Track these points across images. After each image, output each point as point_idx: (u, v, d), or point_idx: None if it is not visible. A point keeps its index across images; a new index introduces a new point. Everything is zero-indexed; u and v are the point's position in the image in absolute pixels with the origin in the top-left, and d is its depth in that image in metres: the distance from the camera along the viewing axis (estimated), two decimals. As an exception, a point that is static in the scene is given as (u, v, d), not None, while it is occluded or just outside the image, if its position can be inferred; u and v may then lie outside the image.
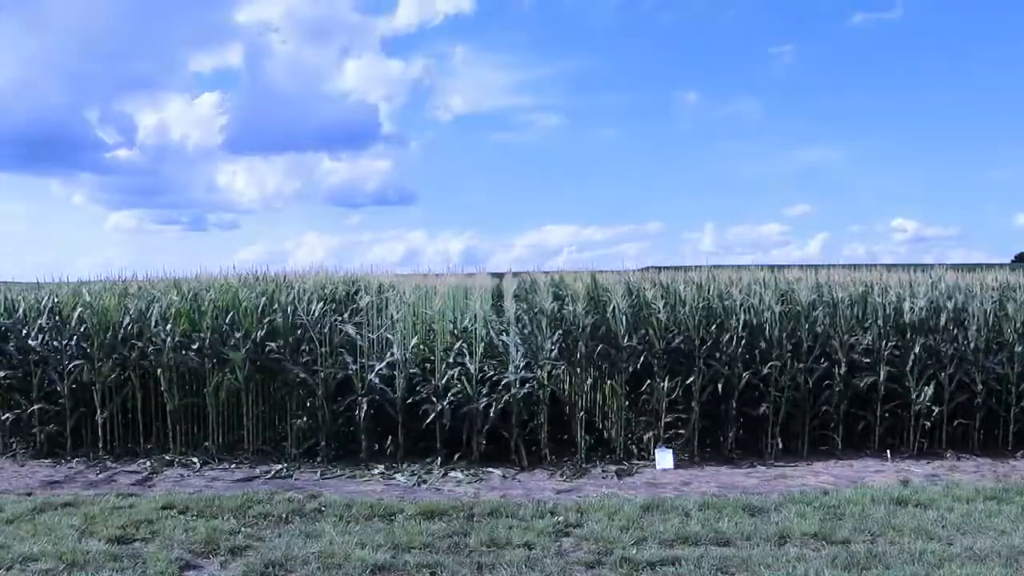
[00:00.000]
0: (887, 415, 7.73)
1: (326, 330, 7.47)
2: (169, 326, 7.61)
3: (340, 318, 8.08)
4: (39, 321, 7.81)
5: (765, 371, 7.40)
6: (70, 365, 7.55)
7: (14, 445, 7.85)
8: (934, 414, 7.58)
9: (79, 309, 7.83)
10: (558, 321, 7.83)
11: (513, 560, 4.68)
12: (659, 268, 11.94)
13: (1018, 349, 7.73)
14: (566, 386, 8.87)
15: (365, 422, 7.27)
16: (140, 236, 42.82)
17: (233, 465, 7.26)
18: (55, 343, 7.64)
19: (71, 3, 37.90)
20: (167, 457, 7.44)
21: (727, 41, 42.19)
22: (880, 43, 40.75)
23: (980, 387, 7.65)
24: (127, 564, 4.62)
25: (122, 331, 7.70)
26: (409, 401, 7.29)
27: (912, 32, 40.30)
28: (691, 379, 7.31)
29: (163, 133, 44.14)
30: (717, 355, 7.38)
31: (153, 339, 7.59)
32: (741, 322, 7.46)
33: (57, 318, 7.78)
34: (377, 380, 7.28)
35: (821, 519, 5.37)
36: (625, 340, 7.42)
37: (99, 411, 7.59)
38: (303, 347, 7.56)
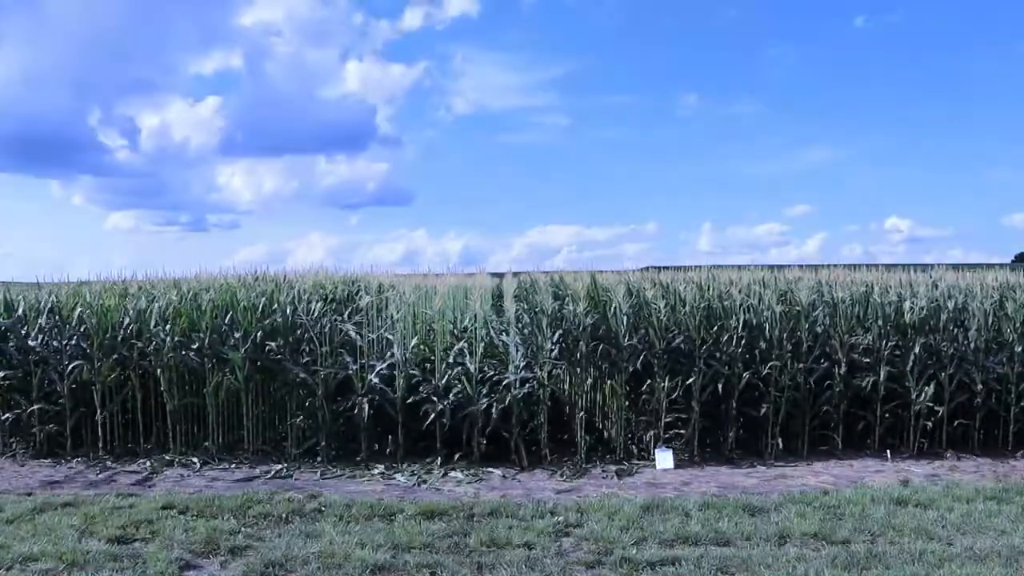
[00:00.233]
0: (887, 415, 7.73)
1: (326, 330, 7.47)
2: (169, 326, 7.61)
3: (340, 318, 8.08)
4: (39, 321, 7.81)
5: (765, 371, 7.40)
6: (70, 365, 7.55)
7: (14, 445, 7.85)
8: (934, 414, 7.58)
9: (79, 309, 7.83)
10: (558, 321, 7.83)
11: (513, 560, 4.68)
12: (659, 268, 11.95)
13: (1018, 349, 7.73)
14: (566, 386, 8.87)
15: (365, 422, 7.27)
16: (140, 237, 42.86)
17: (233, 465, 7.26)
18: (55, 343, 7.64)
19: (72, 5, 37.91)
20: (167, 457, 7.44)
21: (728, 42, 42.22)
22: (879, 44, 40.79)
23: (980, 387, 7.65)
24: (127, 564, 4.62)
25: (122, 331, 7.70)
26: (409, 401, 7.29)
27: (910, 33, 40.32)
28: (691, 379, 7.31)
29: (163, 135, 44.21)
30: (717, 355, 7.38)
31: (153, 339, 7.58)
32: (741, 322, 7.46)
33: (57, 318, 7.78)
34: (377, 380, 7.28)
35: (821, 519, 5.37)
36: (625, 340, 7.42)
37: (99, 411, 7.58)
38: (303, 347, 7.56)
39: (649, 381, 7.43)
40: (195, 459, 7.37)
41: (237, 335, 7.54)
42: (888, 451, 7.60)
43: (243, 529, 5.27)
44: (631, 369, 7.48)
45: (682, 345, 7.40)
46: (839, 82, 42.19)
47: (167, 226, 43.77)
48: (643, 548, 4.86)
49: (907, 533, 5.11)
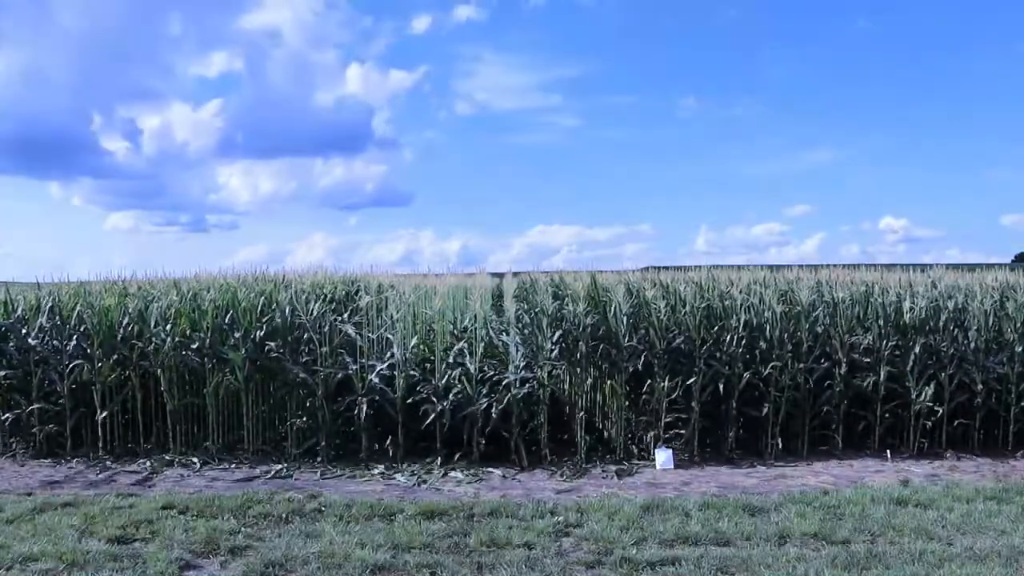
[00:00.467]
0: (887, 415, 7.73)
1: (326, 330, 7.47)
2: (169, 326, 7.61)
3: (340, 318, 8.08)
4: (39, 321, 7.80)
5: (765, 371, 7.40)
6: (70, 365, 7.55)
7: (14, 445, 7.85)
8: (934, 414, 7.58)
9: (79, 309, 7.83)
10: (558, 321, 7.83)
11: (513, 560, 4.68)
12: (659, 268, 11.95)
13: (1018, 349, 7.73)
14: (566, 386, 8.87)
15: (365, 422, 7.27)
16: (140, 237, 42.87)
17: (233, 465, 7.26)
18: (55, 343, 7.64)
19: (73, 8, 37.91)
20: (167, 457, 7.43)
21: (728, 43, 42.23)
22: (878, 45, 40.81)
23: (980, 387, 7.65)
24: (127, 564, 4.62)
25: (122, 331, 7.70)
26: (409, 401, 7.29)
27: (909, 34, 40.33)
28: (691, 379, 7.31)
29: (164, 136, 44.22)
30: (717, 355, 7.38)
31: (153, 339, 7.58)
32: (741, 322, 7.46)
33: (57, 318, 7.78)
34: (377, 380, 7.28)
35: (821, 519, 5.37)
36: (625, 340, 7.42)
37: (99, 411, 7.58)
38: (303, 347, 7.56)
39: (649, 381, 7.43)
40: (195, 459, 7.37)
41: (237, 335, 7.54)
42: (888, 451, 7.60)
43: (243, 529, 5.27)
44: (631, 369, 7.48)
45: (682, 345, 7.39)
46: (839, 82, 42.25)
47: (167, 226, 43.81)
48: (643, 548, 4.86)
49: (907, 533, 5.11)
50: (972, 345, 7.71)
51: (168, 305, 7.82)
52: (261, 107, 41.17)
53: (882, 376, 7.63)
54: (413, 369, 7.43)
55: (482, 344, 7.51)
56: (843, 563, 4.59)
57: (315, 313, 7.65)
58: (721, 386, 7.33)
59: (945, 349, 7.69)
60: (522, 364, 7.31)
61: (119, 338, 7.66)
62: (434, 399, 7.18)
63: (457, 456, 7.19)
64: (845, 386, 7.61)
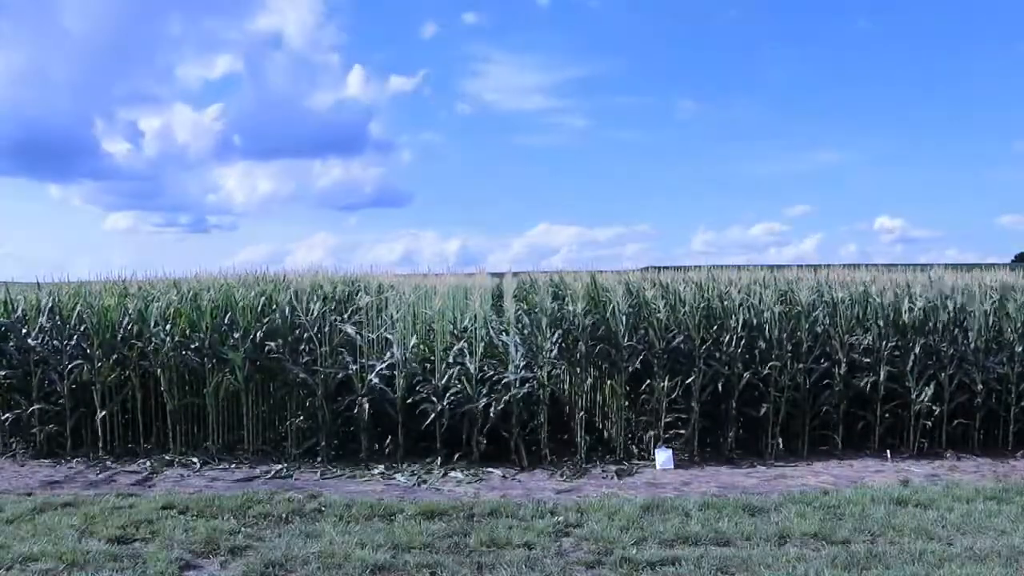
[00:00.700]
0: (887, 415, 7.74)
1: (326, 330, 7.47)
2: (168, 326, 7.61)
3: (340, 318, 8.08)
4: (39, 321, 7.80)
5: (765, 371, 7.40)
6: (70, 365, 7.55)
7: (14, 445, 7.85)
8: (934, 414, 7.58)
9: (79, 309, 7.83)
10: (558, 321, 7.83)
11: (513, 560, 4.68)
12: (659, 268, 11.95)
13: (1018, 349, 7.73)
14: (566, 386, 8.87)
15: (365, 422, 7.27)
16: (139, 237, 42.82)
17: (233, 465, 7.26)
18: (55, 343, 7.64)
19: (74, 9, 37.92)
20: (167, 457, 7.43)
21: (730, 44, 42.25)
22: (876, 45, 40.86)
23: (980, 387, 7.65)
24: (127, 564, 4.62)
25: (122, 331, 7.70)
26: (409, 401, 7.29)
27: (909, 34, 40.38)
28: (691, 379, 7.31)
29: (164, 138, 44.20)
30: (717, 355, 7.38)
31: (153, 339, 7.58)
32: (741, 322, 7.46)
33: (57, 318, 7.78)
34: (377, 380, 7.28)
35: (821, 519, 5.37)
36: (625, 340, 7.42)
37: (99, 411, 7.58)
38: (303, 347, 7.56)
39: (649, 381, 7.44)
40: (195, 459, 7.37)
41: (237, 335, 7.54)
42: (888, 451, 7.60)
43: (243, 529, 5.27)
44: (631, 369, 7.48)
45: (682, 345, 7.40)
46: (838, 83, 42.25)
47: (167, 227, 43.78)
48: (643, 548, 4.86)
49: (907, 533, 5.11)
50: (972, 345, 7.71)
51: (168, 305, 7.82)
52: (262, 109, 41.19)
53: (882, 376, 7.63)
54: (413, 368, 7.43)
55: (482, 344, 7.51)
56: (843, 563, 4.59)
57: (315, 313, 7.65)
58: (721, 386, 7.33)
59: (945, 349, 7.69)
60: (522, 364, 7.31)
61: (119, 338, 7.66)
62: (434, 399, 7.19)
63: (457, 456, 7.19)
64: (845, 386, 7.61)
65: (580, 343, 7.54)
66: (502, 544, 4.94)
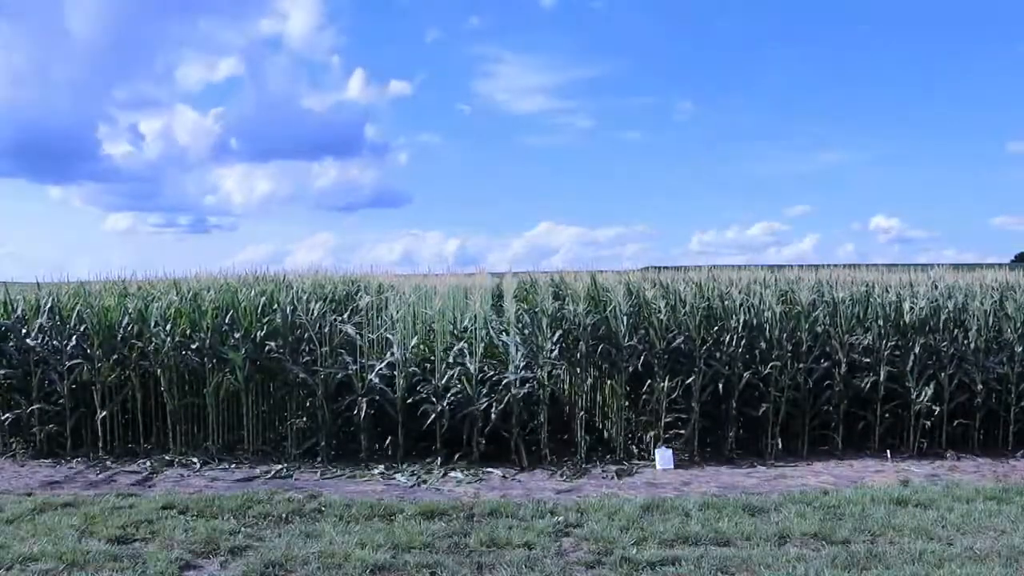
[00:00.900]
0: (887, 415, 7.73)
1: (326, 330, 7.47)
2: (169, 326, 7.61)
3: (340, 318, 8.08)
4: (39, 321, 7.80)
5: (765, 371, 7.40)
6: (70, 365, 7.55)
7: (14, 445, 7.85)
8: (934, 414, 7.59)
9: (79, 309, 7.82)
10: (558, 321, 7.83)
11: (513, 560, 4.68)
12: (659, 268, 11.96)
13: (1018, 349, 7.73)
14: (566, 386, 8.87)
15: (365, 422, 7.27)
16: (139, 238, 42.81)
17: (233, 465, 7.26)
18: (55, 343, 7.64)
19: (75, 11, 37.92)
20: (167, 457, 7.43)
21: (730, 45, 42.28)
22: (874, 45, 40.88)
23: (980, 387, 7.65)
24: (127, 564, 4.62)
25: (122, 331, 7.70)
26: (409, 401, 7.29)
27: (908, 34, 40.41)
28: (691, 379, 7.31)
29: (165, 139, 44.23)
30: (717, 355, 7.38)
31: (153, 339, 7.58)
32: (741, 322, 7.46)
33: (57, 318, 7.78)
34: (377, 380, 7.28)
35: (821, 519, 5.37)
36: (625, 340, 7.42)
37: (99, 411, 7.58)
38: (303, 347, 7.56)
39: (649, 381, 7.43)
40: (195, 459, 7.37)
41: (237, 335, 7.54)
42: (888, 451, 7.60)
43: (243, 529, 5.27)
44: (631, 369, 7.48)
45: (682, 345, 7.39)
46: (837, 84, 42.30)
47: (167, 227, 43.78)
48: (643, 548, 4.86)
49: (907, 533, 5.11)
50: (972, 345, 7.71)
51: (168, 305, 7.82)
52: (262, 111, 41.22)
53: (882, 376, 7.63)
54: (413, 369, 7.43)
55: (482, 344, 7.51)
56: (843, 563, 4.59)
57: (315, 313, 7.65)
58: (721, 386, 7.33)
59: (945, 349, 7.69)
60: (522, 364, 7.31)
61: (119, 338, 7.66)
62: (434, 399, 7.18)
63: (457, 456, 7.19)
64: (845, 386, 7.61)
65: (580, 343, 7.54)
66: (502, 544, 4.94)
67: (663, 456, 7.15)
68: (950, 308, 7.86)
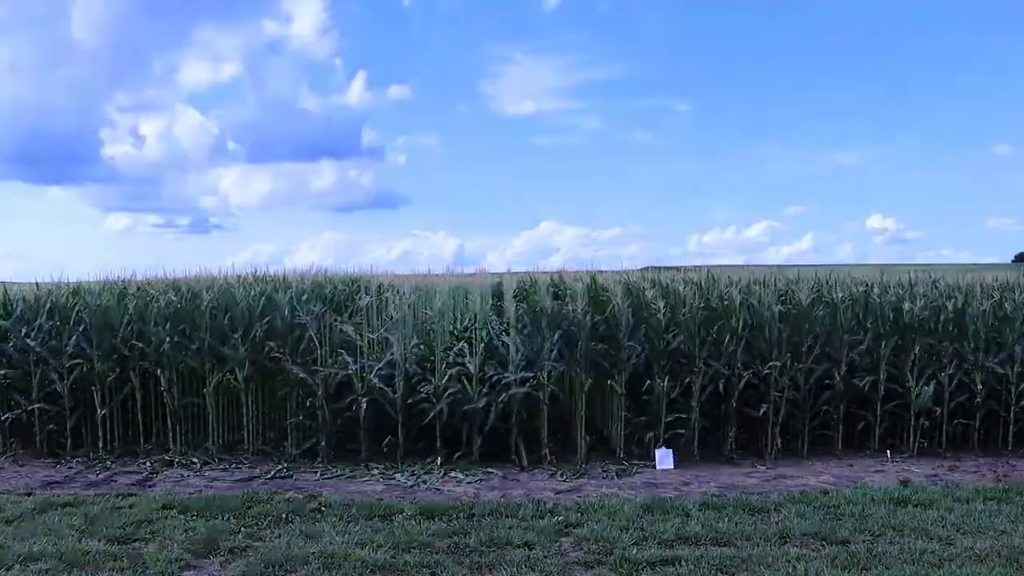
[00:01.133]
0: (887, 415, 7.73)
1: (326, 330, 7.47)
2: (168, 326, 7.60)
3: (340, 318, 8.08)
4: (39, 321, 7.79)
5: (765, 371, 7.40)
6: (70, 365, 7.54)
7: (14, 445, 7.85)
8: (934, 414, 7.59)
9: (79, 309, 7.82)
10: (558, 321, 7.82)
11: (513, 560, 4.68)
12: (659, 268, 11.95)
13: (1018, 349, 7.73)
14: (566, 386, 8.86)
15: (365, 422, 7.27)
16: (139, 239, 42.86)
17: (233, 465, 7.26)
18: (55, 343, 7.63)
19: (76, 13, 37.92)
20: (167, 457, 7.43)
21: (728, 46, 42.32)
22: (873, 45, 40.94)
23: (980, 387, 7.65)
24: (127, 564, 4.62)
25: (122, 331, 7.69)
26: (409, 401, 7.29)
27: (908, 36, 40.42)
28: (691, 379, 7.31)
29: (165, 141, 44.26)
30: (717, 355, 7.37)
31: (153, 339, 7.58)
32: (741, 322, 7.46)
33: (57, 318, 7.77)
34: (377, 380, 7.27)
35: (821, 519, 5.38)
36: (625, 340, 7.42)
37: (99, 411, 7.58)
38: (303, 347, 7.55)
39: (649, 381, 7.43)
40: (195, 459, 7.37)
41: (237, 335, 7.54)
42: (888, 451, 7.60)
43: (243, 529, 5.27)
44: (631, 369, 7.48)
45: (682, 345, 7.39)
46: (837, 85, 42.35)
47: (167, 228, 43.82)
48: (643, 548, 4.86)
49: (907, 533, 5.11)
50: (972, 345, 7.71)
51: (168, 305, 7.81)
52: (264, 112, 41.27)
53: (882, 376, 7.63)
54: (413, 368, 7.43)
55: (482, 344, 7.51)
56: (843, 563, 4.59)
57: (315, 313, 7.65)
58: (721, 386, 7.33)
59: (945, 349, 7.69)
60: (522, 364, 7.31)
61: (119, 338, 7.66)
62: (434, 399, 7.18)
63: (457, 456, 7.18)
64: (845, 386, 7.61)
65: (580, 343, 7.53)
66: (502, 544, 4.94)
67: (663, 456, 7.15)
68: (949, 308, 7.85)
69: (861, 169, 43.37)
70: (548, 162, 45.09)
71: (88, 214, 45.99)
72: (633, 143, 43.87)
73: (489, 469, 6.99)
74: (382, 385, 7.28)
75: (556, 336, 7.51)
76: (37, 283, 8.97)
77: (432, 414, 7.13)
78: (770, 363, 7.39)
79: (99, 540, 5.00)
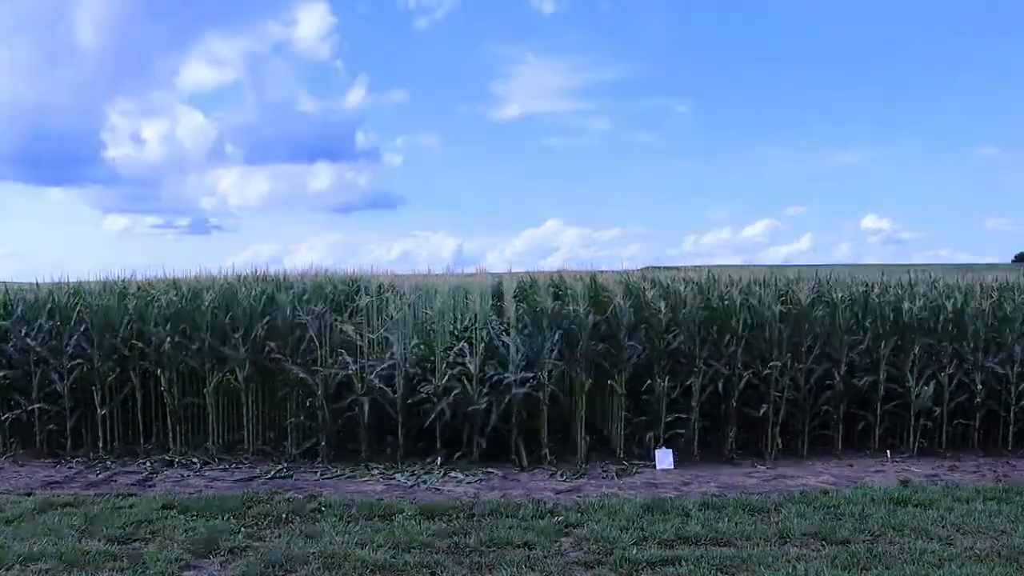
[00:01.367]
0: (887, 415, 7.74)
1: (326, 330, 7.47)
2: (169, 326, 7.61)
3: (340, 318, 8.08)
4: (39, 321, 7.79)
5: (765, 371, 7.40)
6: (70, 365, 7.54)
7: (14, 445, 7.85)
8: (934, 414, 7.59)
9: (79, 309, 7.82)
10: (558, 321, 7.82)
11: (513, 560, 4.68)
12: (659, 268, 11.96)
13: (1018, 349, 7.73)
14: (566, 386, 8.86)
15: (365, 422, 7.27)
16: (140, 239, 42.85)
17: (233, 465, 7.26)
18: (55, 343, 7.63)
19: (76, 13, 37.92)
20: (167, 457, 7.43)
21: (728, 46, 42.34)
22: (872, 45, 40.98)
23: (980, 387, 7.65)
24: (127, 564, 4.62)
25: (122, 331, 7.69)
26: (409, 401, 7.29)
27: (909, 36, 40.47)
28: (691, 379, 7.31)
29: (166, 142, 44.27)
30: (717, 355, 7.37)
31: (153, 339, 7.58)
32: (741, 322, 7.46)
33: (57, 318, 7.77)
34: (377, 380, 7.27)
35: (821, 519, 5.38)
36: (625, 340, 7.42)
37: (99, 411, 7.58)
38: (303, 347, 7.55)
39: (649, 381, 7.43)
40: (195, 459, 7.37)
41: (237, 335, 7.54)
42: (888, 451, 7.60)
43: (243, 529, 5.27)
44: (631, 369, 7.48)
45: (682, 345, 7.39)
46: (838, 85, 42.37)
47: (167, 228, 43.82)
48: (643, 548, 4.86)
49: (907, 533, 5.11)
50: (971, 345, 7.71)
51: (168, 305, 7.82)
52: (265, 114, 41.29)
53: (882, 376, 7.63)
54: (413, 369, 7.43)
55: (482, 344, 7.51)
56: (843, 563, 4.59)
57: (316, 313, 7.65)
58: (721, 386, 7.33)
59: (944, 349, 7.69)
60: (522, 364, 7.31)
61: (119, 338, 7.66)
62: (434, 399, 7.18)
63: (457, 456, 7.19)
64: (845, 386, 7.61)
65: (580, 343, 7.53)
66: (502, 544, 4.94)
67: (663, 456, 7.15)
68: (949, 308, 7.85)
69: (862, 169, 43.41)
70: (550, 162, 45.11)
71: (88, 215, 46.01)
72: (637, 144, 43.91)
73: (489, 469, 6.99)
74: (382, 385, 7.28)
75: (556, 336, 7.51)
76: (38, 283, 8.98)
77: (432, 414, 7.13)
78: (770, 363, 7.39)
79: (99, 540, 5.00)
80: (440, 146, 44.75)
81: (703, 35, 42.17)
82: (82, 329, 7.69)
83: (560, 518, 5.44)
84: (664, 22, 41.01)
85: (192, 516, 5.53)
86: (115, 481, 6.75)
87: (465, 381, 7.16)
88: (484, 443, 7.21)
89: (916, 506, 5.69)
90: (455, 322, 8.52)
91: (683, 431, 7.42)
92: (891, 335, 7.74)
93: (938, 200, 41.52)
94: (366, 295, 8.55)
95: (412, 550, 4.85)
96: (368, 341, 7.64)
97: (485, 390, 7.19)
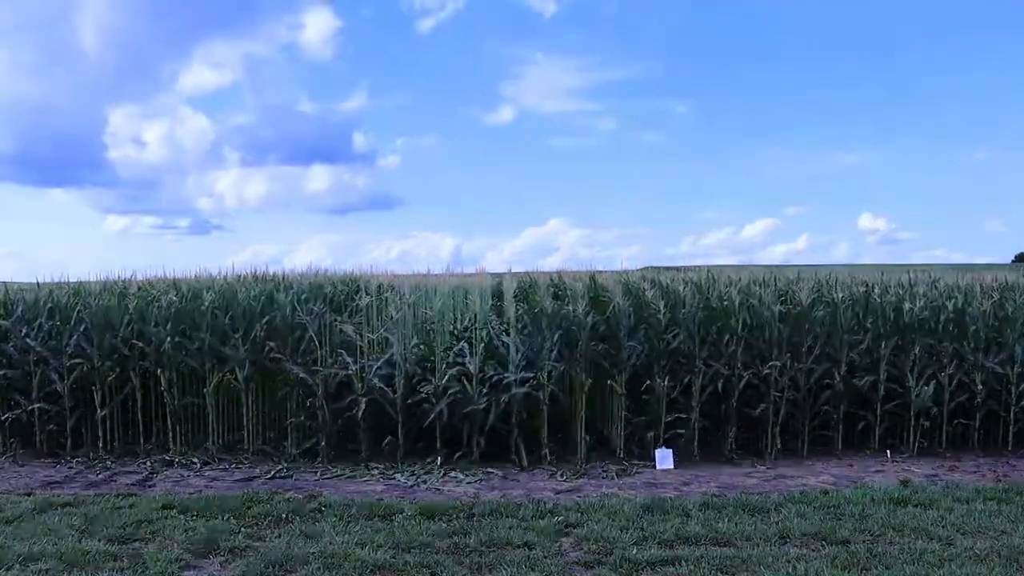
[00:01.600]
0: (887, 415, 7.74)
1: (326, 330, 7.46)
2: (169, 326, 7.61)
3: (339, 318, 8.08)
4: (39, 321, 7.79)
5: (765, 371, 7.40)
6: (70, 365, 7.54)
7: (14, 445, 7.85)
8: (934, 414, 7.59)
9: (79, 309, 7.82)
10: (558, 321, 7.82)
11: (513, 560, 4.68)
12: (658, 268, 11.96)
13: (1018, 349, 7.73)
14: (566, 386, 8.86)
15: (365, 422, 7.27)
16: (140, 240, 42.88)
17: (233, 465, 7.26)
18: (55, 343, 7.63)
19: (76, 14, 37.94)
20: (167, 457, 7.43)
21: (729, 47, 42.37)
22: (872, 45, 41.00)
23: (980, 387, 7.65)
24: (127, 564, 4.62)
25: (122, 331, 7.69)
26: (409, 401, 7.29)
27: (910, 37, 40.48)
28: (691, 379, 7.31)
29: (166, 143, 44.31)
30: (717, 355, 7.37)
31: (153, 339, 7.58)
32: (741, 322, 7.46)
33: (57, 318, 7.77)
34: (377, 380, 7.27)
35: (821, 519, 5.38)
36: (625, 340, 7.42)
37: (99, 411, 7.58)
38: (303, 347, 7.55)
39: (649, 381, 7.43)
40: (195, 459, 7.37)
41: (237, 335, 7.54)
42: (888, 451, 7.60)
43: (243, 529, 5.27)
44: (631, 369, 7.48)
45: (682, 345, 7.39)
46: (839, 85, 42.39)
47: (167, 229, 43.85)
48: (643, 548, 4.86)
49: (907, 533, 5.11)
50: (972, 345, 7.71)
51: (168, 305, 7.82)
52: (265, 116, 41.34)
53: (882, 376, 7.63)
54: (413, 368, 7.43)
55: (482, 344, 7.51)
56: (843, 563, 4.59)
57: (315, 313, 7.65)
58: (721, 386, 7.33)
59: (945, 349, 7.69)
60: (522, 364, 7.31)
61: (119, 338, 7.66)
62: (434, 399, 7.18)
63: (457, 456, 7.19)
64: (845, 386, 7.61)
65: (580, 343, 7.53)
66: (502, 544, 4.94)
67: (663, 456, 7.15)
68: (949, 308, 7.85)
69: (862, 170, 43.43)
70: (557, 162, 45.11)
71: (89, 215, 46.04)
72: (641, 144, 43.93)
73: (489, 469, 6.99)
74: (382, 385, 7.29)
75: (556, 336, 7.51)
76: (38, 283, 8.98)
77: (432, 414, 7.13)
78: (770, 363, 7.40)
79: (99, 540, 5.00)
80: (440, 147, 44.81)
81: (703, 35, 42.23)
82: (82, 329, 7.69)
83: (560, 518, 5.44)
84: (664, 22, 41.05)
85: (192, 516, 5.53)
86: (115, 481, 6.75)
87: (465, 381, 7.16)
88: (484, 443, 7.21)
89: (916, 506, 5.69)
90: (455, 322, 8.52)
91: (683, 431, 7.42)
92: (891, 335, 7.74)
93: (937, 200, 41.62)
94: (366, 295, 8.55)
95: (412, 550, 4.85)
96: (368, 341, 7.64)
97: (485, 390, 7.19)
